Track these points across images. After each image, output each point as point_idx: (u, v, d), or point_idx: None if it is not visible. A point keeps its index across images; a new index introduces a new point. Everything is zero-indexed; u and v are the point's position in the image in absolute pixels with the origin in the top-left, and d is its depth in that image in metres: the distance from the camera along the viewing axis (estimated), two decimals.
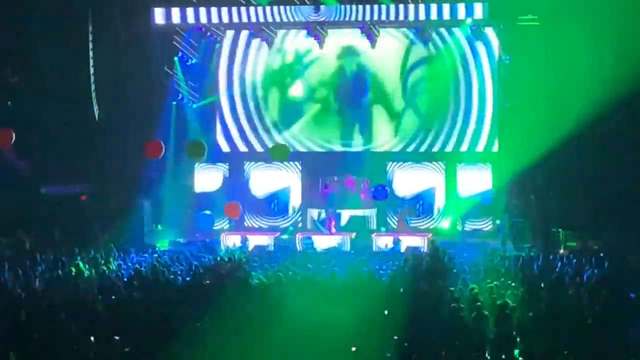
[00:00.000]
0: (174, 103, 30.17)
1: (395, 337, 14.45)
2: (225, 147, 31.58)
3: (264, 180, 31.23)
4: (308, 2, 27.27)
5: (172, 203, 30.03)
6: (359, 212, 29.69)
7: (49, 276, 20.49)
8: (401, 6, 27.01)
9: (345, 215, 29.47)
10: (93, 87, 28.46)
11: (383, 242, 27.23)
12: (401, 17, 27.32)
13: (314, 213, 29.74)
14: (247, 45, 30.92)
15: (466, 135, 30.20)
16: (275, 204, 31.07)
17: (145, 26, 28.27)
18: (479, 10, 26.92)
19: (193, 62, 30.42)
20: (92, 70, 28.25)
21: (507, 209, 28.44)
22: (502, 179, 29.08)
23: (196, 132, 30.33)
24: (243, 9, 27.67)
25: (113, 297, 18.12)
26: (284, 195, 31.05)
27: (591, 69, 26.70)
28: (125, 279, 20.19)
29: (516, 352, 14.34)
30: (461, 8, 26.96)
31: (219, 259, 23.47)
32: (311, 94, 30.89)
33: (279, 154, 26.11)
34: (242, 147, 31.55)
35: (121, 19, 28.33)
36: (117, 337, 14.72)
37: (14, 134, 22.62)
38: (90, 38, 28.21)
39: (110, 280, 19.94)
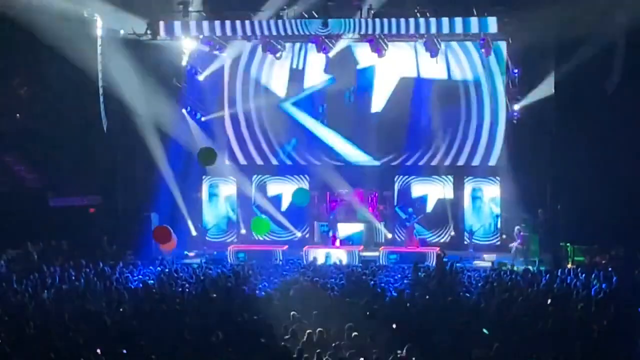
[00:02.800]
0: (184, 111, 30.14)
1: (399, 352, 14.43)
2: (233, 161, 31.62)
3: (272, 192, 31.28)
4: (317, 16, 27.28)
5: (180, 216, 30.02)
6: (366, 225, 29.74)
7: (57, 288, 20.54)
8: (411, 20, 26.96)
9: (353, 228, 29.50)
10: (102, 99, 28.51)
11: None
12: (411, 31, 27.28)
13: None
14: (255, 58, 31.01)
15: (475, 149, 30.12)
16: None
17: (154, 38, 28.29)
18: (489, 24, 26.82)
19: (202, 74, 30.49)
20: (100, 82, 28.31)
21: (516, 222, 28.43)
22: (510, 193, 29.10)
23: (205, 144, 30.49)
24: (255, 21, 27.67)
25: (120, 309, 18.16)
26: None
27: (600, 82, 26.77)
28: (133, 291, 20.23)
29: None
30: (469, 22, 26.84)
31: (225, 271, 23.50)
32: (319, 106, 30.93)
33: (205, 158, 24.93)
34: (248, 161, 31.60)
35: (131, 31, 28.36)
36: (124, 350, 14.75)
37: None
38: (99, 50, 28.28)
39: (118, 292, 19.97)
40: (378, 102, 30.53)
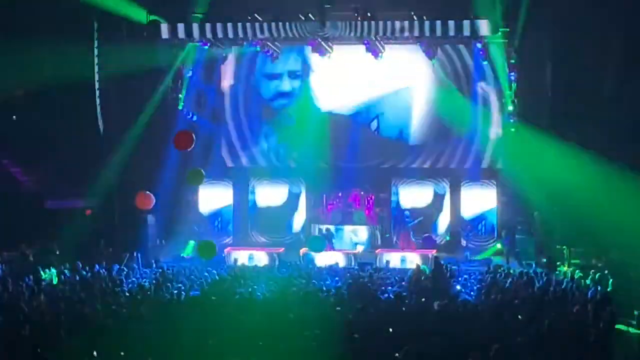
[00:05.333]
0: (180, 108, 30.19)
1: (397, 355, 14.43)
2: (229, 163, 31.68)
3: (268, 195, 31.27)
4: (313, 18, 27.29)
5: (176, 218, 30.02)
6: (363, 228, 29.71)
7: (53, 291, 20.52)
8: (406, 22, 26.98)
9: (350, 230, 29.49)
10: (98, 101, 28.52)
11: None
12: (406, 34, 27.30)
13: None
14: (253, 60, 31.06)
15: (471, 153, 30.16)
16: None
17: (150, 40, 28.32)
18: (484, 27, 26.86)
19: (198, 76, 30.50)
20: (97, 84, 28.33)
21: (511, 225, 28.45)
22: (506, 196, 29.16)
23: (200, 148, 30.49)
24: (248, 24, 27.68)
25: (116, 311, 18.12)
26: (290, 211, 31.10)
27: (596, 84, 26.83)
28: (129, 294, 20.20)
29: None
30: (467, 25, 26.89)
31: (222, 274, 23.49)
32: (315, 109, 30.95)
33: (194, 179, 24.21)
34: (247, 163, 31.63)
35: (127, 33, 28.38)
36: (121, 353, 14.74)
37: None
38: (96, 52, 28.31)
39: (114, 294, 19.95)
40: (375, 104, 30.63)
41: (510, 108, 28.80)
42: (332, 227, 29.44)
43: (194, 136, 19.83)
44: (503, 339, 15.04)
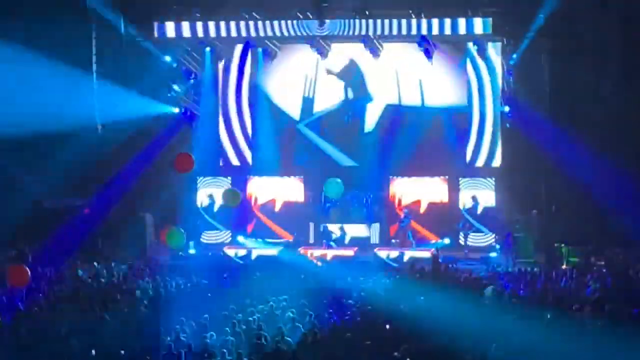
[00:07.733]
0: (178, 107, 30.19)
1: (396, 354, 14.43)
2: (227, 161, 31.62)
3: (267, 194, 31.24)
4: (312, 17, 27.30)
5: (174, 216, 30.00)
6: (362, 227, 29.69)
7: (51, 289, 20.54)
8: (404, 21, 26.99)
9: (348, 230, 29.47)
10: (96, 99, 28.52)
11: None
12: (404, 32, 27.31)
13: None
14: (252, 59, 31.00)
15: (469, 150, 30.12)
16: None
17: (148, 39, 28.33)
18: (481, 26, 26.87)
19: (196, 75, 30.49)
20: (95, 81, 28.34)
21: (510, 224, 28.45)
22: (504, 194, 29.14)
23: (199, 146, 30.48)
24: (250, 23, 27.69)
25: (115, 309, 18.14)
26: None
27: (594, 85, 26.86)
28: (127, 292, 20.21)
29: None
30: (464, 23, 26.90)
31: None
32: (314, 107, 30.93)
33: (231, 199, 23.18)
34: (246, 161, 31.60)
35: (125, 31, 28.37)
36: (122, 351, 14.76)
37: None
38: (94, 51, 28.31)
39: (113, 293, 19.96)
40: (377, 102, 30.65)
41: (509, 106, 28.83)
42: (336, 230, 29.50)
43: (193, 158, 19.91)
44: (501, 338, 15.06)
